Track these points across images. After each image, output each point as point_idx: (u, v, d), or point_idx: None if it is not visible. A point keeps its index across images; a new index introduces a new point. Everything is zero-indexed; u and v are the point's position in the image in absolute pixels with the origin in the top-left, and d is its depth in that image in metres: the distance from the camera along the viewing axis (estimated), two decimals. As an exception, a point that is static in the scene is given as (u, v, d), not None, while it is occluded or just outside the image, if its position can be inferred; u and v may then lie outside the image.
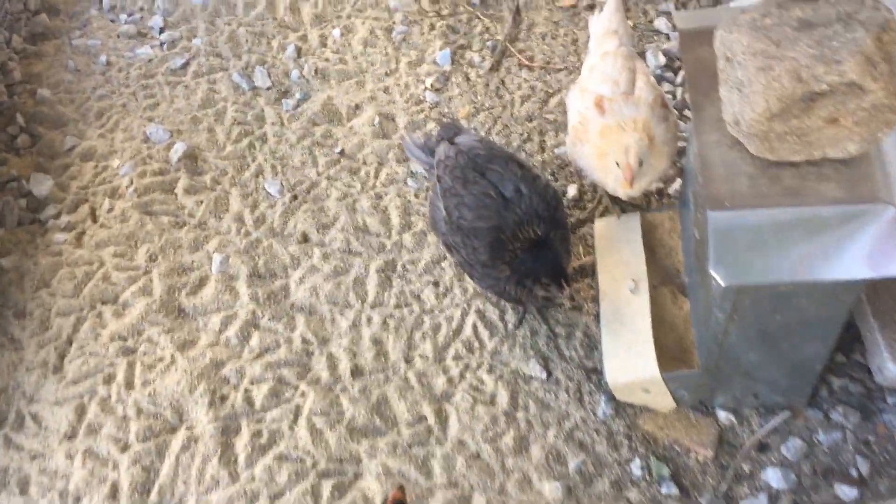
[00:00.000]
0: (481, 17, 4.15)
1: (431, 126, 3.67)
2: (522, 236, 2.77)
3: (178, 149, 3.60)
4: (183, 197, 3.49)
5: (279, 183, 3.54)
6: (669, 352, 2.91)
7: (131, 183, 3.52)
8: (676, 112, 3.71)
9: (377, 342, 3.09)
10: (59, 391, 2.96)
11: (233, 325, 3.13)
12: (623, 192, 2.97)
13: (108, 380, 2.99)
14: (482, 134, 3.61)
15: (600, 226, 3.24)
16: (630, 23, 4.03)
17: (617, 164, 2.83)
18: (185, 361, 3.01)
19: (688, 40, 2.52)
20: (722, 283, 2.18)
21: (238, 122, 3.75)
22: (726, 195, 2.19)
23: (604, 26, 3.14)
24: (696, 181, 2.71)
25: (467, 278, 3.22)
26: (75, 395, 2.96)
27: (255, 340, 3.09)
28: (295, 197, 3.51)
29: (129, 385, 2.98)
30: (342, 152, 3.66)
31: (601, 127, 2.92)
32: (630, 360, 2.86)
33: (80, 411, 2.92)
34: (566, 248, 2.89)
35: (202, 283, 3.25)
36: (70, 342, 3.10)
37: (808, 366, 2.70)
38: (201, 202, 3.48)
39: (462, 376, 3.00)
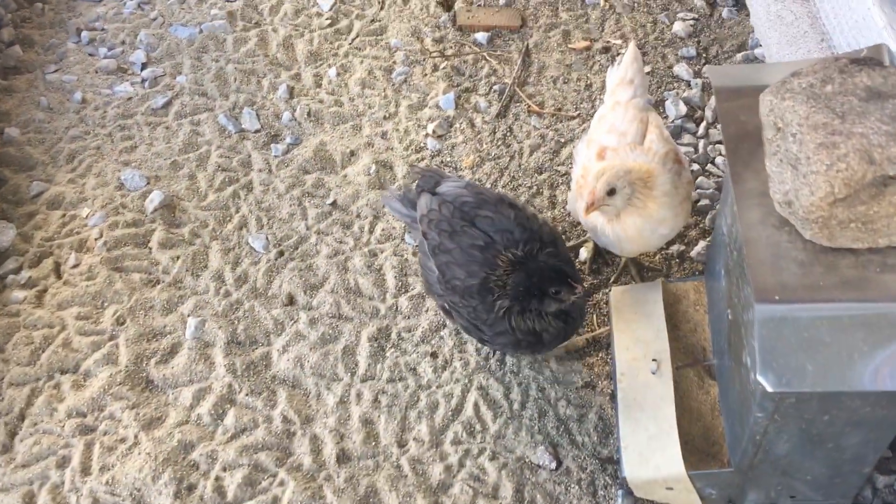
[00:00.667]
0: (488, 58, 3.86)
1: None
2: (502, 263, 2.51)
3: (155, 197, 3.29)
4: (157, 252, 3.18)
5: (264, 237, 3.23)
6: (695, 444, 2.58)
7: (101, 235, 3.20)
8: (699, 167, 3.42)
9: (367, 422, 2.76)
10: (6, 476, 2.62)
11: (206, 400, 2.80)
12: (615, 238, 2.71)
13: (63, 463, 2.66)
14: (467, 178, 3.32)
15: (617, 294, 2.92)
16: (647, 68, 3.76)
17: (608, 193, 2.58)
18: (150, 443, 2.68)
19: (725, 100, 2.22)
20: (769, 389, 1.86)
21: (222, 168, 3.45)
22: (774, 286, 1.88)
23: (619, 76, 2.89)
24: (730, 256, 2.41)
25: (469, 349, 2.90)
26: (24, 480, 2.62)
27: (230, 419, 2.76)
28: (281, 253, 3.20)
29: (86, 470, 2.64)
30: (334, 204, 3.35)
31: (584, 188, 2.66)
32: (652, 453, 2.53)
33: (28, 501, 2.58)
34: (561, 258, 2.61)
35: (174, 350, 2.93)
36: (22, 417, 2.76)
37: (856, 467, 2.38)
38: (177, 258, 3.16)
39: (461, 464, 2.67)
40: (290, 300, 3.07)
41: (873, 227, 1.76)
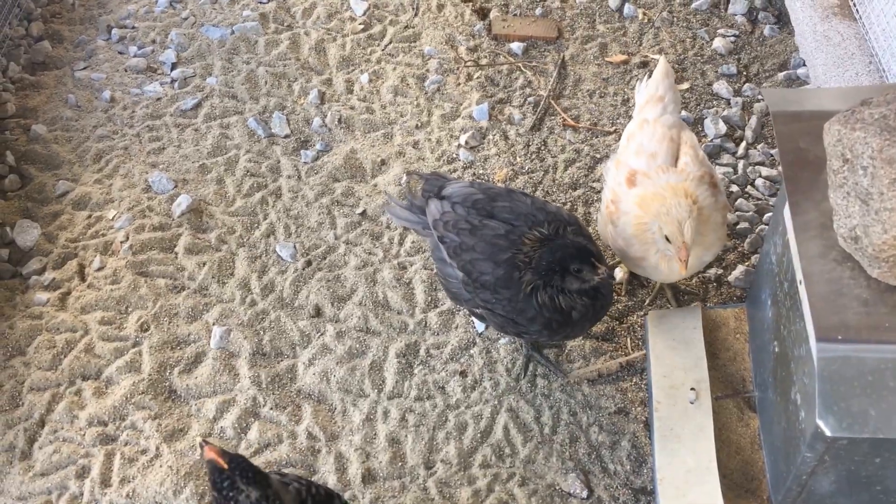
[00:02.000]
0: (524, 69, 3.79)
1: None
2: (529, 241, 2.45)
3: (182, 201, 3.23)
4: (184, 257, 3.11)
5: (292, 246, 3.16)
6: (734, 479, 2.50)
7: (127, 238, 3.14)
8: (738, 188, 3.33)
9: (394, 441, 2.69)
10: (25, 484, 2.56)
11: (230, 412, 2.73)
12: (669, 271, 2.60)
13: (82, 474, 2.59)
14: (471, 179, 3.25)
15: (654, 318, 2.84)
16: (686, 85, 3.68)
17: (667, 238, 2.46)
18: (172, 456, 2.61)
19: (783, 125, 2.14)
20: (829, 434, 1.78)
21: (251, 173, 3.38)
22: (837, 324, 1.80)
23: (650, 92, 2.78)
24: (779, 286, 2.33)
25: (499, 368, 2.83)
26: (42, 490, 2.55)
27: (253, 433, 2.69)
28: (309, 263, 3.13)
29: (106, 482, 2.57)
30: (364, 213, 3.28)
31: (640, 196, 2.56)
32: (689, 487, 2.45)
33: (47, 512, 2.52)
34: (584, 236, 2.55)
35: (198, 360, 2.86)
36: (42, 424, 2.70)
37: (902, 510, 2.29)
38: (204, 264, 3.10)
39: (490, 489, 2.59)
40: (318, 312, 3.00)
41: (947, 268, 1.67)
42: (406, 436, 2.70)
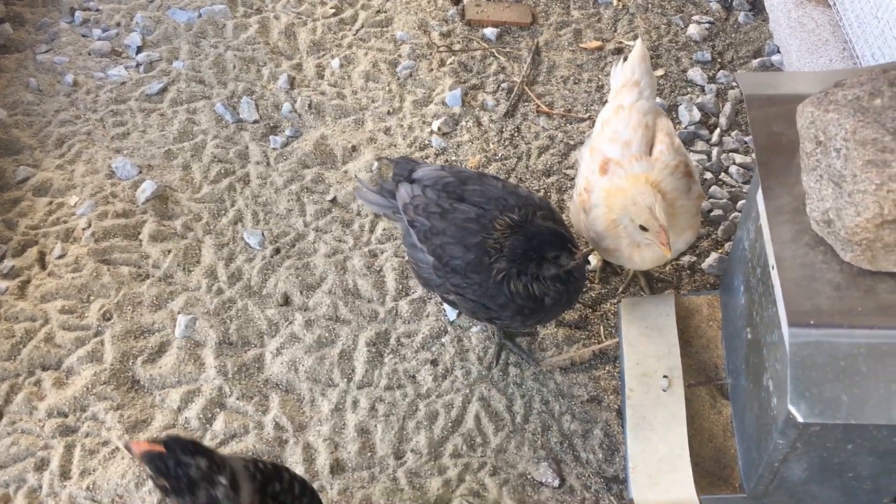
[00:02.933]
0: (497, 54, 3.74)
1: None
2: (500, 227, 2.40)
3: (147, 187, 3.15)
4: (148, 244, 3.04)
5: (260, 233, 3.09)
6: (706, 467, 2.48)
7: (89, 225, 3.06)
8: (712, 175, 3.31)
9: (363, 431, 2.64)
10: (-19, 478, 2.49)
11: (195, 402, 2.67)
12: (642, 261, 2.58)
13: (41, 466, 2.52)
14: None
15: (627, 305, 2.81)
16: (661, 71, 3.64)
17: (642, 227, 2.42)
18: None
19: (757, 109, 2.11)
20: (800, 420, 1.76)
21: (218, 159, 3.31)
22: (809, 309, 1.77)
23: (625, 76, 2.72)
24: (752, 272, 2.30)
25: (471, 357, 2.78)
26: (-1, 483, 2.49)
27: (219, 424, 2.63)
28: (277, 251, 3.06)
29: (65, 474, 2.50)
30: (334, 200, 3.22)
31: (606, 190, 2.53)
32: (662, 475, 2.42)
33: (4, 505, 2.45)
34: (555, 220, 2.52)
35: (162, 349, 2.79)
36: (0, 415, 2.62)
37: (874, 497, 2.27)
38: (169, 251, 3.02)
39: (461, 479, 2.56)
40: (286, 300, 2.94)
41: (920, 251, 1.65)
42: (376, 425, 2.66)
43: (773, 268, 2.08)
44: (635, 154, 2.57)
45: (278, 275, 2.99)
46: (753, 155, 2.08)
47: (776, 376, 2.04)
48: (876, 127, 1.61)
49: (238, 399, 2.68)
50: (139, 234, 3.07)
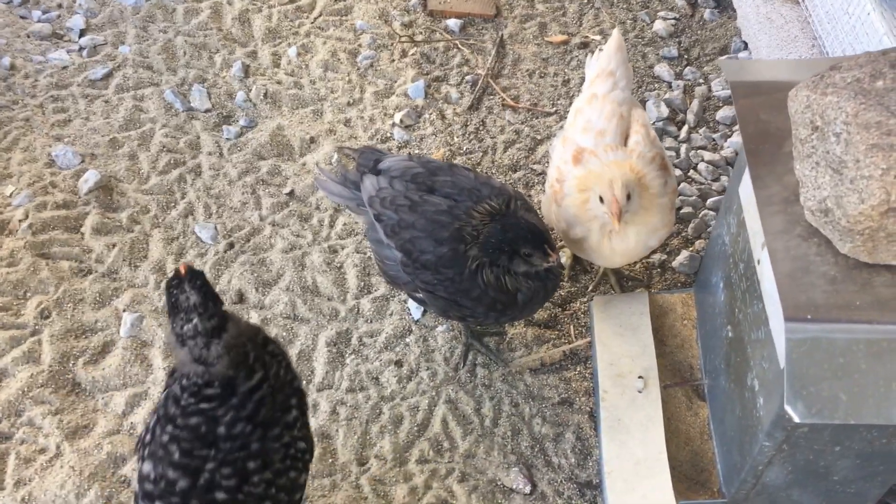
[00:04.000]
0: (461, 46, 3.62)
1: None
2: (479, 214, 2.27)
3: (90, 177, 2.95)
4: (91, 238, 2.83)
5: (213, 227, 2.92)
6: (683, 471, 2.39)
7: (26, 216, 2.84)
8: (681, 172, 3.23)
9: (324, 436, 2.49)
10: None
11: (141, 406, 2.48)
12: (611, 252, 2.46)
13: (-30, 477, 2.31)
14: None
15: (600, 304, 2.71)
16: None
17: (601, 199, 2.32)
18: (75, 455, 2.35)
19: (743, 97, 2.03)
20: (797, 420, 1.66)
21: (167, 148, 3.12)
22: (805, 303, 1.68)
23: (600, 66, 2.64)
24: (733, 267, 2.22)
25: (437, 358, 2.65)
26: (-77, 496, 2.27)
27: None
28: (231, 245, 2.89)
29: (-2, 486, 2.30)
30: (291, 193, 3.06)
31: (578, 178, 2.42)
32: (639, 480, 2.32)
33: (-73, 520, 2.23)
34: (534, 215, 2.40)
35: (106, 349, 2.60)
36: (-76, 422, 2.41)
37: (857, 500, 2.21)
38: (113, 245, 2.82)
39: (427, 486, 2.42)
40: (240, 297, 2.77)
41: (923, 241, 1.57)
42: (337, 430, 2.51)
43: (758, 262, 2.00)
44: (610, 144, 2.47)
45: (232, 271, 2.82)
46: (741, 142, 1.99)
47: (763, 375, 1.95)
48: (879, 109, 1.53)
49: (189, 403, 2.50)
50: (81, 226, 2.86)
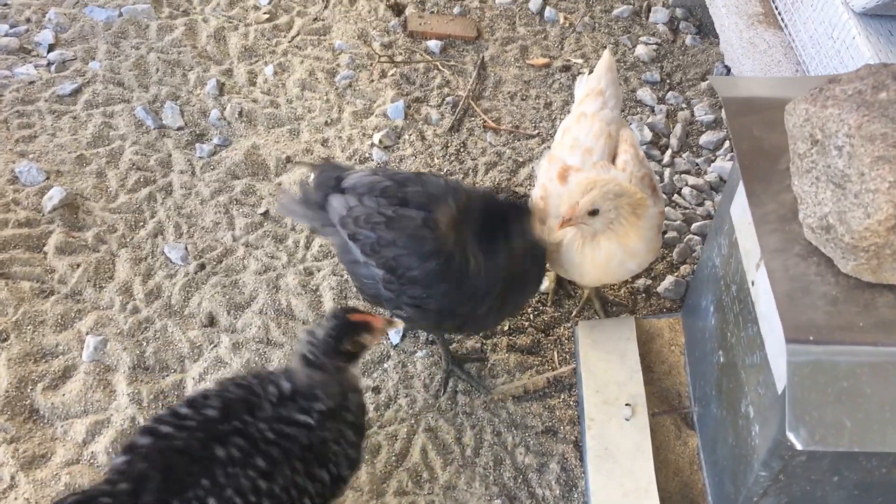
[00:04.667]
0: (441, 67, 3.56)
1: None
2: (444, 222, 2.17)
3: (55, 195, 2.83)
4: (54, 257, 2.71)
5: (183, 247, 2.80)
6: (673, 502, 2.29)
7: (-14, 234, 2.72)
8: (665, 196, 3.18)
9: (296, 467, 2.36)
10: None
11: (103, 434, 2.34)
12: (593, 266, 2.35)
13: (-85, 510, 2.16)
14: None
15: (585, 329, 2.63)
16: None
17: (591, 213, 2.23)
18: (31, 486, 2.20)
19: (736, 113, 1.97)
20: (800, 447, 1.58)
21: (137, 166, 3.01)
22: (806, 325, 1.60)
23: (591, 85, 2.59)
24: (725, 290, 2.15)
25: (416, 384, 2.54)
26: None
27: (131, 459, 2.30)
28: (202, 266, 2.77)
29: (-55, 520, 2.15)
30: (266, 214, 2.96)
31: (566, 196, 2.34)
32: (628, 512, 2.22)
33: None
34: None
35: (67, 374, 2.46)
36: None
37: (852, 533, 2.12)
38: (78, 265, 2.70)
39: (406, 519, 2.30)
40: (211, 321, 2.65)
41: (929, 259, 1.51)
42: (311, 460, 2.38)
43: (752, 284, 1.93)
44: (598, 162, 2.40)
45: (203, 293, 2.70)
46: (735, 159, 1.93)
47: (759, 402, 1.87)
48: (885, 121, 1.47)
49: (154, 431, 2.37)
50: (44, 245, 2.73)
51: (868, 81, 1.55)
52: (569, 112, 2.82)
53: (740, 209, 2.00)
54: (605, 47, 3.71)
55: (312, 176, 3.02)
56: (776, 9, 3.33)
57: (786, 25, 3.25)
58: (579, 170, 2.40)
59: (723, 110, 2.15)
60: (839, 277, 1.66)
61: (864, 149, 1.47)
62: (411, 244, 2.17)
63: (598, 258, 2.33)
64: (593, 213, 2.21)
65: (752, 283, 1.92)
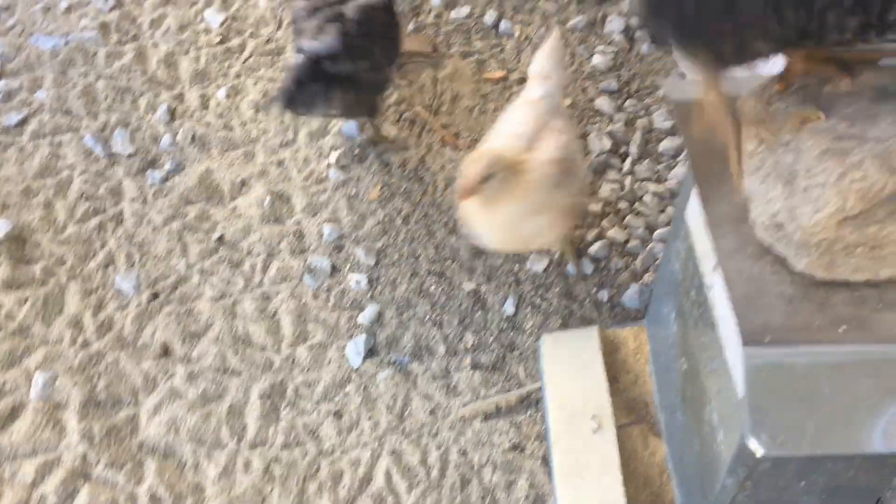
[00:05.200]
0: (397, 83, 3.52)
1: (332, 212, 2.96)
2: None
3: (0, 228, 2.74)
4: (1, 293, 2.62)
5: (135, 277, 2.73)
6: (644, 515, 2.24)
7: (-72, 272, 2.63)
8: (627, 204, 3.15)
9: (257, 496, 2.29)
10: None
11: (53, 475, 2.26)
12: (495, 224, 2.37)
13: None
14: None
15: (549, 342, 2.59)
16: (568, 101, 3.51)
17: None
18: (-24, 533, 2.12)
19: (686, 117, 1.94)
20: (761, 453, 1.54)
21: (86, 196, 2.93)
22: (762, 326, 1.57)
23: (536, 68, 2.63)
24: (685, 296, 2.11)
25: (380, 406, 2.48)
26: None
27: (82, 498, 2.23)
28: (155, 296, 2.70)
29: None
30: (221, 239, 2.89)
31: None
32: (597, 528, 2.17)
33: None
34: None
35: (14, 413, 2.38)
36: None
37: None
38: (25, 300, 2.62)
39: (371, 547, 2.23)
40: (165, 351, 2.57)
41: (881, 253, 1.48)
42: (271, 490, 2.31)
43: (709, 287, 1.90)
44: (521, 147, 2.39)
45: (156, 323, 2.63)
46: (687, 163, 1.90)
47: (721, 408, 1.83)
48: (829, 114, 1.44)
49: (106, 468, 2.29)
50: (-11, 280, 2.65)
51: (813, 76, 1.53)
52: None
53: (695, 213, 1.97)
54: (562, 57, 3.70)
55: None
56: (728, 13, 3.34)
57: (739, 29, 3.25)
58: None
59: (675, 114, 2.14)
60: (794, 276, 1.63)
61: (811, 142, 1.44)
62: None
63: (499, 219, 2.35)
64: (486, 179, 2.23)
65: (709, 287, 1.89)
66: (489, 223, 2.39)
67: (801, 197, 1.46)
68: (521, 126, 2.44)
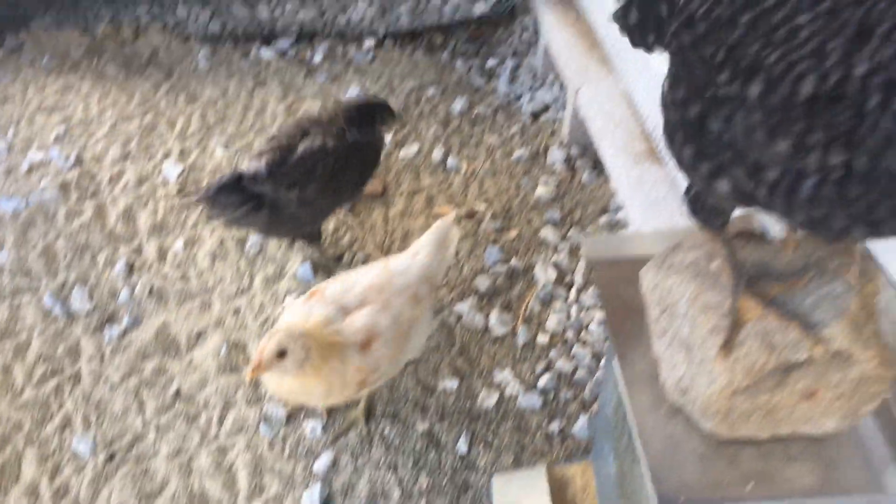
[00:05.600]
0: (350, 225, 3.67)
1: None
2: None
3: (-43, 397, 2.80)
4: (-44, 464, 2.65)
5: (91, 438, 2.77)
6: None
7: None
8: (573, 333, 3.26)
9: None
10: None
11: None
12: (292, 389, 2.43)
13: None
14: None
15: (499, 484, 2.64)
16: (514, 233, 3.66)
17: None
18: None
19: (603, 274, 2.06)
20: None
21: (44, 357, 3.00)
22: (676, 485, 1.65)
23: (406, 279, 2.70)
24: (619, 439, 2.19)
25: None
26: None
27: None
28: (111, 457, 2.74)
29: None
30: (177, 393, 2.95)
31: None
32: None
33: None
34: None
35: (-33, 592, 2.38)
36: None
37: None
38: (-19, 470, 2.65)
39: None
40: (121, 514, 2.60)
41: (776, 416, 1.58)
42: None
43: (636, 438, 1.98)
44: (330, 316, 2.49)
45: (112, 485, 2.66)
46: (604, 321, 2.01)
47: (656, 558, 1.89)
48: (716, 291, 1.57)
49: None
50: (-55, 452, 2.68)
51: (704, 249, 1.66)
52: (474, 257, 2.94)
53: (617, 366, 2.07)
54: (507, 190, 3.88)
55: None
56: (657, 146, 3.54)
57: (666, 162, 3.45)
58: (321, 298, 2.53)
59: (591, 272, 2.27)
60: (705, 434, 1.72)
61: (701, 319, 1.56)
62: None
63: (286, 387, 2.42)
64: (281, 354, 2.28)
65: (636, 439, 1.97)
66: (278, 387, 2.45)
67: (698, 368, 1.56)
68: (349, 295, 2.53)
